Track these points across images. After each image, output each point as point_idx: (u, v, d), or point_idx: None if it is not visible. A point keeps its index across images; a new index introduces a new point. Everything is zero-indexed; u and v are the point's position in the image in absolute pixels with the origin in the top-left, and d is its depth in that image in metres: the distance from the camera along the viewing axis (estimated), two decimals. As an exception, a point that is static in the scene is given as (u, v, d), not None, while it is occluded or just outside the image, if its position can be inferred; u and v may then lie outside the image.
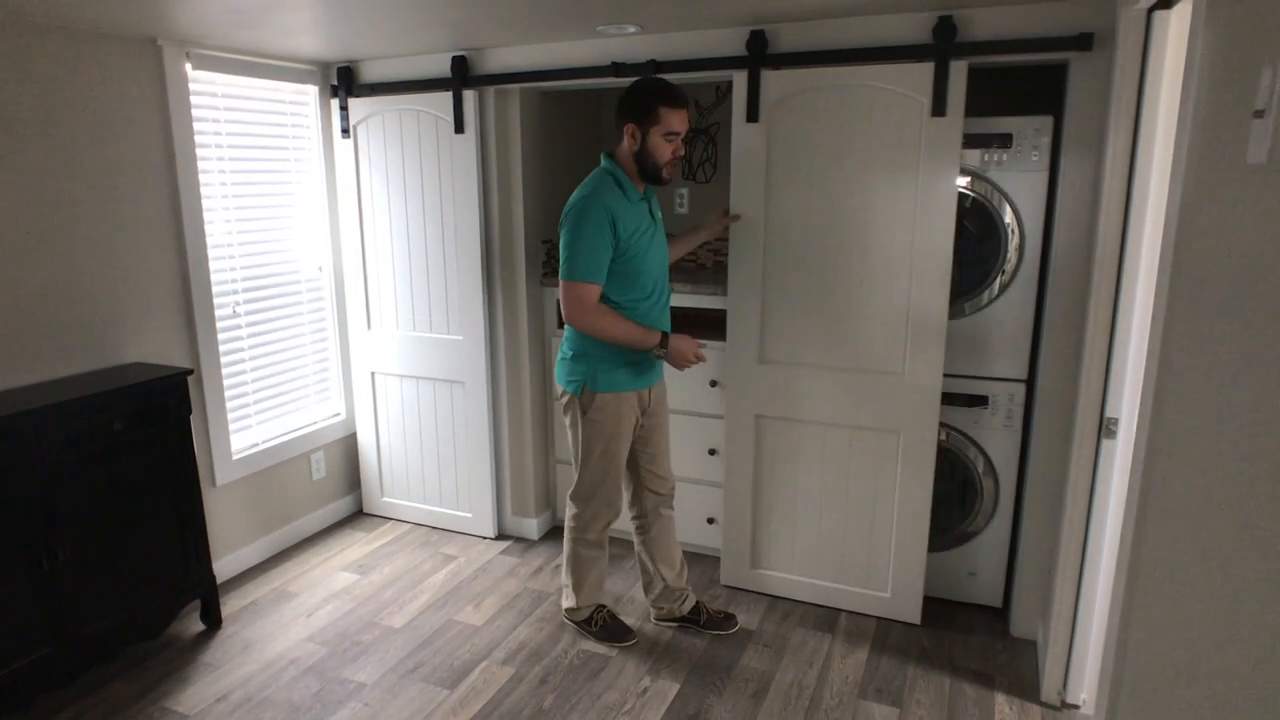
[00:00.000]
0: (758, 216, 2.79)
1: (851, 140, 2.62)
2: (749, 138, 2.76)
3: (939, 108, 2.50)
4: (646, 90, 2.36)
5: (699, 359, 2.51)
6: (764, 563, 3.06)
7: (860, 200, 2.65)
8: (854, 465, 2.83)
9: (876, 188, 2.62)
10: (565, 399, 2.57)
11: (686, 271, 3.56)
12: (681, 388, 3.16)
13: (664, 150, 2.37)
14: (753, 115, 2.73)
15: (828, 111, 2.64)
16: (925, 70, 2.49)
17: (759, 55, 2.69)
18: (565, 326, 2.54)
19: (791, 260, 2.78)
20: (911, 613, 2.85)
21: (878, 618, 2.90)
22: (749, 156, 2.77)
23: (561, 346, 2.58)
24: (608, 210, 2.34)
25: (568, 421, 2.60)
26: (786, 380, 2.86)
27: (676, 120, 2.35)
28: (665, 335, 2.46)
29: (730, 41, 2.75)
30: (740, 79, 2.73)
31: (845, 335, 2.75)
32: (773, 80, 2.69)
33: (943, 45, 2.47)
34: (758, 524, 3.02)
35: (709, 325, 3.15)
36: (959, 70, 2.46)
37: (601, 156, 2.48)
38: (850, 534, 2.88)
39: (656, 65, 2.81)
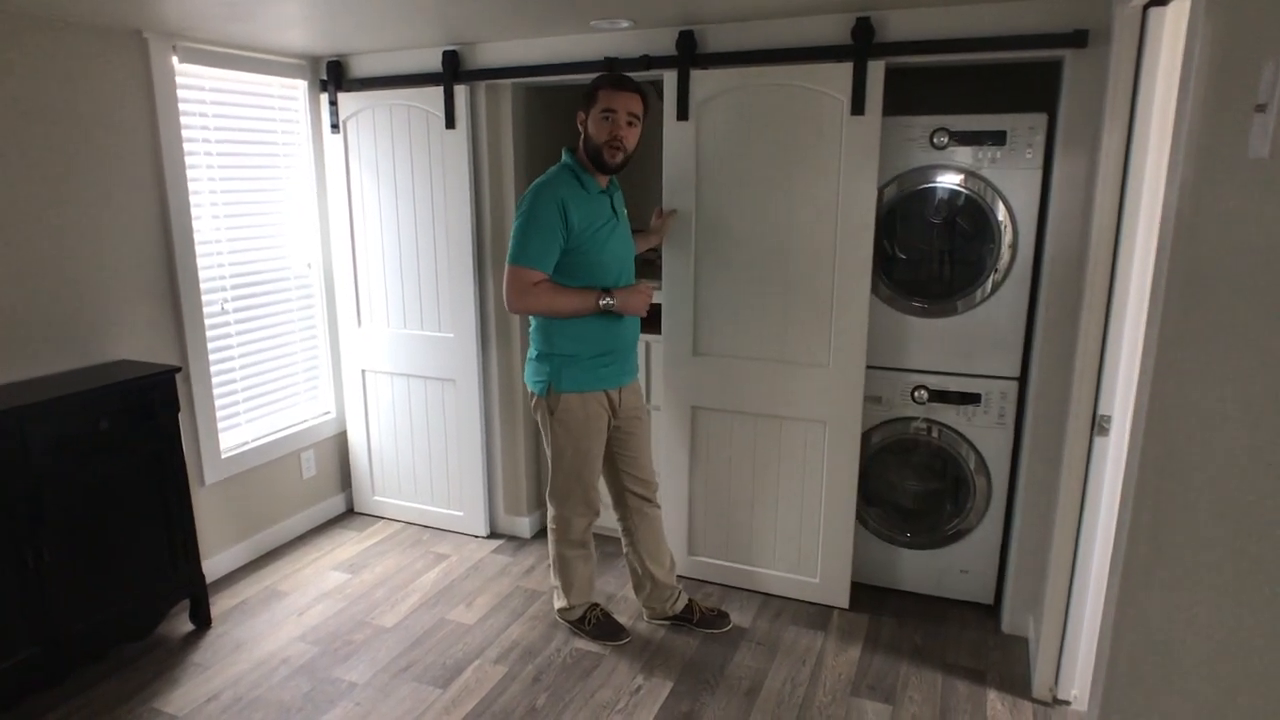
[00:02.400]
0: (689, 212, 2.86)
1: (777, 138, 2.70)
2: (679, 136, 2.82)
3: (858, 106, 2.56)
4: (595, 80, 2.42)
5: (648, 299, 2.53)
6: (699, 549, 3.12)
7: (785, 196, 2.72)
8: (784, 455, 2.90)
9: (801, 184, 2.69)
10: (534, 400, 2.57)
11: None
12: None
13: (601, 130, 2.37)
14: (682, 114, 2.79)
15: (754, 110, 2.71)
16: (844, 70, 2.56)
17: (687, 55, 2.75)
18: (530, 328, 2.55)
19: (722, 254, 2.84)
20: (840, 598, 2.94)
21: (808, 602, 2.97)
22: (680, 154, 2.83)
23: (530, 347, 2.58)
24: (560, 200, 2.35)
25: (539, 421, 2.59)
26: (719, 372, 2.92)
27: (611, 100, 2.36)
28: (606, 290, 2.44)
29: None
30: (670, 78, 2.79)
31: (774, 328, 2.82)
32: (701, 80, 2.75)
33: (860, 46, 2.54)
34: (693, 511, 3.10)
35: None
36: (876, 70, 2.53)
37: (563, 151, 2.49)
38: (781, 521, 2.95)
39: (649, 60, 2.80)
